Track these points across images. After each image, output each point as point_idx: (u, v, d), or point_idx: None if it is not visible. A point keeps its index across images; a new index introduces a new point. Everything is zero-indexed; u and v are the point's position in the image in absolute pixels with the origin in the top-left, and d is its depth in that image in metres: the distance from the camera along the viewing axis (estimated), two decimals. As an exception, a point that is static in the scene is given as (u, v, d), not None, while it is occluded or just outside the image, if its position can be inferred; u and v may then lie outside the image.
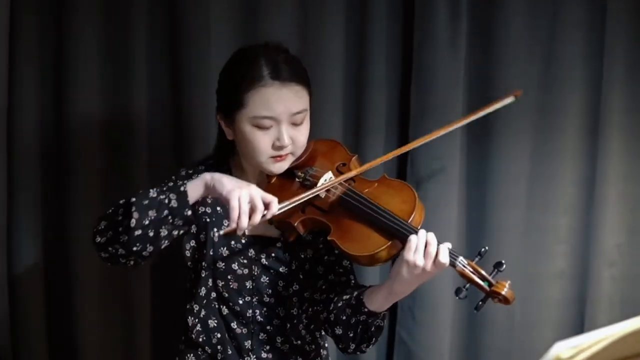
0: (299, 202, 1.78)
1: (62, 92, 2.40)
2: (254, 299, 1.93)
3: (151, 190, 1.75)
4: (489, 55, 2.55)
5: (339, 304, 1.83)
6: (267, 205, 1.71)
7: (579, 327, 2.66)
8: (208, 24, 2.42)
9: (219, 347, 1.94)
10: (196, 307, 1.94)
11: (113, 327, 2.50)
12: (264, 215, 1.70)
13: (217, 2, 2.42)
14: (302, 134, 1.86)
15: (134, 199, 1.72)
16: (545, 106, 2.59)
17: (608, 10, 2.56)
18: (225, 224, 1.90)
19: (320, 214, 1.82)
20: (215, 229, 1.91)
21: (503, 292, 1.66)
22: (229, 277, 1.92)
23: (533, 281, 2.64)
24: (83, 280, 2.45)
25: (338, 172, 1.90)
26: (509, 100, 2.11)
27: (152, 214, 1.71)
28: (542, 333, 2.64)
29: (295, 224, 1.83)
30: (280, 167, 1.87)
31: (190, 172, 1.95)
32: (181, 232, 1.81)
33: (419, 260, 1.69)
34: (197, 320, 1.95)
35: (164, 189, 1.76)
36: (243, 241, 1.92)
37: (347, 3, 2.49)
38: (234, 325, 1.94)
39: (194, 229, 1.93)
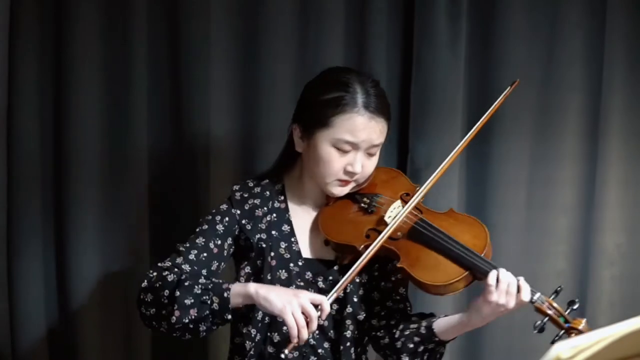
0: (360, 265, 1.81)
1: (62, 92, 2.40)
2: None
3: (196, 286, 1.77)
4: (489, 55, 2.55)
5: (406, 332, 1.88)
6: (318, 307, 1.74)
7: (579, 327, 2.65)
8: (208, 24, 2.42)
9: None
10: (253, 332, 1.93)
11: (113, 327, 2.49)
12: (319, 317, 1.75)
13: (217, 4, 2.42)
14: (372, 165, 1.92)
15: (177, 293, 1.76)
16: (545, 106, 2.59)
17: (608, 10, 2.56)
18: (283, 246, 1.93)
19: (389, 241, 1.85)
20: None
21: (580, 328, 1.75)
22: None
23: (533, 281, 2.61)
24: (83, 280, 2.45)
25: (403, 202, 1.93)
26: (508, 90, 2.10)
27: (193, 312, 1.77)
28: (542, 333, 2.64)
29: (360, 248, 1.86)
30: (342, 191, 1.92)
31: (246, 195, 1.97)
32: (218, 327, 1.83)
33: (502, 299, 1.76)
34: (253, 343, 1.93)
35: (209, 287, 1.78)
36: (300, 264, 1.93)
37: (347, 3, 2.49)
38: (286, 351, 1.91)
39: (251, 255, 1.93)
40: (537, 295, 1.79)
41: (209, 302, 1.76)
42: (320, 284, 1.93)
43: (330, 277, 1.93)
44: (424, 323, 1.87)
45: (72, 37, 2.37)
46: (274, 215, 1.95)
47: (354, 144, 1.86)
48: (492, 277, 1.76)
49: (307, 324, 1.72)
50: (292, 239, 1.94)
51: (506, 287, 1.77)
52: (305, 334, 1.72)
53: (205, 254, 1.91)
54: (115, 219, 2.45)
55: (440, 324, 1.85)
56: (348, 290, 1.92)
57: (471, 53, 2.54)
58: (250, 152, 2.50)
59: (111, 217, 2.45)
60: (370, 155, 1.90)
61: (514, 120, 2.57)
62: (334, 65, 2.46)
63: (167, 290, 1.79)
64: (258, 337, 1.93)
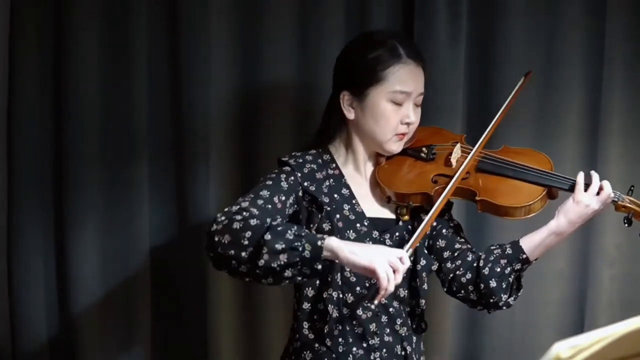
0: (455, 182, 1.93)
1: (62, 92, 2.40)
2: None
3: (288, 231, 1.73)
4: (489, 55, 2.55)
5: (491, 258, 1.98)
6: (400, 259, 1.76)
7: (579, 327, 2.66)
8: (208, 24, 2.42)
9: (340, 339, 1.93)
10: (326, 295, 1.92)
11: (113, 326, 2.49)
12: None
13: (218, 2, 2.42)
14: (418, 116, 2.00)
15: (268, 236, 1.71)
16: (545, 106, 2.59)
17: (608, 11, 2.56)
18: (346, 208, 1.95)
19: (461, 181, 1.95)
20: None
21: None
22: None
23: (533, 281, 2.64)
24: (83, 280, 2.45)
25: (463, 145, 2.04)
26: (523, 82, 2.18)
27: (283, 257, 1.72)
28: (542, 333, 2.64)
29: (432, 193, 1.95)
30: (399, 146, 2.00)
31: (301, 161, 1.96)
32: (303, 279, 1.80)
33: (589, 199, 1.89)
34: (335, 307, 1.92)
35: (302, 233, 1.75)
36: (366, 223, 1.96)
37: (347, 3, 2.49)
38: (359, 311, 1.94)
39: (319, 216, 1.93)
40: (618, 194, 1.93)
41: (300, 248, 1.71)
42: (388, 242, 1.97)
43: (397, 234, 1.99)
44: (508, 244, 1.98)
45: (72, 36, 2.37)
46: (332, 180, 1.97)
47: (407, 94, 1.94)
48: (580, 177, 1.91)
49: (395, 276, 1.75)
50: (354, 201, 1.97)
51: (596, 187, 1.90)
52: (392, 286, 1.73)
53: (269, 206, 1.86)
54: (115, 219, 2.45)
55: (527, 241, 1.97)
56: (417, 244, 1.93)
57: (471, 53, 2.54)
58: (251, 151, 2.50)
59: (111, 217, 2.45)
60: (417, 105, 1.99)
61: (514, 121, 2.56)
62: (334, 65, 2.48)
63: (251, 233, 1.72)
64: (331, 300, 1.92)
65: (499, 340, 2.65)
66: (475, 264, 1.99)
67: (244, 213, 1.77)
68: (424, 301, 2.00)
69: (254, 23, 2.45)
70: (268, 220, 1.75)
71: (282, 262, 1.71)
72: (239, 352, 2.56)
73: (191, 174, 2.48)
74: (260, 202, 1.84)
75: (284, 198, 1.89)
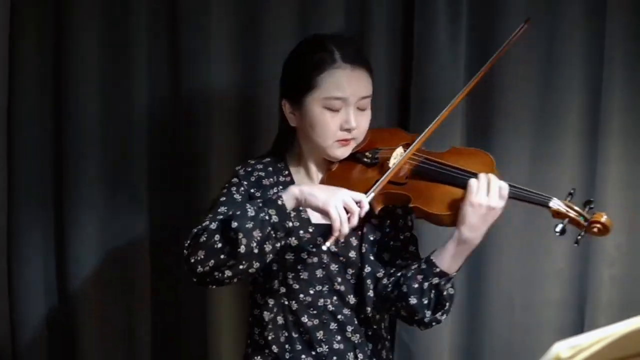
0: (385, 180, 1.84)
1: (61, 92, 2.40)
2: (325, 288, 1.93)
3: (248, 209, 1.74)
4: (489, 55, 2.54)
5: (409, 274, 1.86)
6: (358, 204, 1.76)
7: (579, 327, 2.66)
8: (208, 25, 2.42)
9: (286, 346, 1.94)
10: (271, 302, 1.94)
11: (113, 326, 2.50)
12: (359, 215, 1.77)
13: (218, 2, 2.42)
14: (365, 120, 1.94)
15: (235, 224, 1.71)
16: (545, 106, 2.58)
17: (608, 11, 2.56)
18: (292, 214, 1.88)
19: (397, 187, 1.87)
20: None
21: (602, 220, 1.74)
22: (299, 267, 1.92)
23: (533, 281, 2.64)
24: (83, 280, 2.45)
25: (405, 148, 1.94)
26: (520, 29, 2.08)
27: (257, 234, 1.72)
28: (541, 333, 2.64)
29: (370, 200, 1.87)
30: (344, 152, 1.94)
31: (250, 169, 1.97)
32: (282, 243, 1.81)
33: (482, 199, 1.76)
34: (267, 312, 1.94)
35: (260, 205, 1.76)
36: (310, 230, 1.93)
37: (347, 3, 2.49)
38: (304, 319, 1.93)
39: None
40: (554, 200, 1.79)
41: (267, 217, 1.73)
42: (333, 248, 1.93)
43: (342, 240, 1.91)
44: (423, 259, 1.88)
45: (72, 36, 2.37)
46: (281, 187, 1.95)
47: (343, 99, 1.87)
48: (472, 182, 1.78)
49: (349, 219, 1.73)
50: (300, 208, 1.91)
51: (486, 186, 1.77)
52: (346, 228, 1.73)
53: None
54: (115, 218, 2.45)
55: (438, 254, 1.84)
56: (364, 250, 1.93)
57: (471, 53, 2.54)
58: (252, 150, 2.50)
59: (111, 217, 2.46)
60: (362, 110, 1.91)
61: (514, 121, 2.56)
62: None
63: (219, 234, 1.73)
64: (275, 307, 1.94)
65: (498, 341, 2.65)
66: (399, 281, 1.89)
67: (205, 225, 1.80)
68: (369, 309, 1.93)
69: (254, 23, 2.45)
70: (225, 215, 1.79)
71: (258, 238, 1.72)
72: (239, 352, 2.56)
73: (191, 173, 2.48)
74: (220, 217, 1.86)
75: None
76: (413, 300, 1.84)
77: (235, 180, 1.96)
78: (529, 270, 2.64)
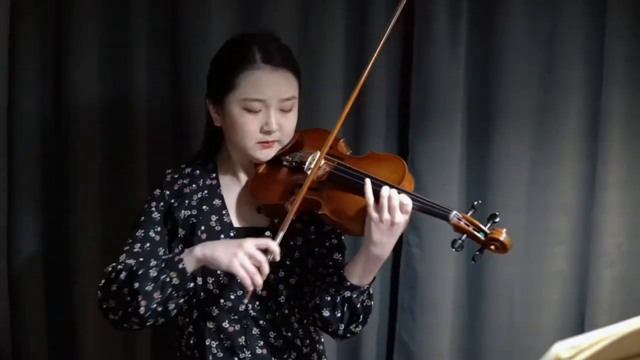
0: (295, 207, 1.78)
1: (61, 91, 2.40)
2: (246, 293, 1.91)
3: (151, 270, 1.77)
4: (489, 55, 2.55)
5: (323, 286, 1.84)
6: (265, 251, 1.74)
7: (579, 327, 2.66)
8: (208, 25, 2.42)
9: (207, 352, 1.92)
10: (186, 306, 1.94)
11: (113, 327, 2.49)
12: (273, 259, 1.74)
13: (218, 2, 2.42)
14: (289, 122, 1.88)
15: (136, 284, 1.75)
16: (546, 107, 2.59)
17: (608, 11, 2.56)
18: (214, 219, 1.91)
19: (310, 192, 1.81)
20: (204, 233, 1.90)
21: (501, 238, 1.66)
22: (219, 272, 1.89)
23: (533, 282, 2.64)
24: (83, 281, 2.45)
25: (329, 158, 1.87)
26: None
27: (157, 295, 1.76)
28: (542, 333, 2.64)
29: (285, 205, 1.82)
30: (267, 154, 1.88)
31: (176, 176, 1.96)
32: (185, 298, 1.83)
33: (384, 214, 1.70)
34: (188, 319, 1.95)
35: (162, 266, 1.78)
36: (232, 234, 1.91)
37: (347, 3, 2.49)
38: (225, 324, 1.92)
39: (181, 232, 1.92)
40: (454, 212, 1.69)
41: (167, 279, 1.75)
42: None
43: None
44: (336, 272, 1.83)
45: (72, 37, 2.37)
46: (205, 192, 1.93)
47: (262, 101, 1.83)
48: (368, 189, 1.72)
49: (259, 269, 1.72)
50: (224, 212, 1.92)
51: (386, 201, 1.70)
52: (259, 280, 1.71)
53: (148, 244, 1.89)
54: (115, 218, 2.45)
55: (348, 267, 1.80)
56: (282, 255, 1.88)
57: (471, 53, 2.54)
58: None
59: (112, 217, 2.45)
60: (284, 111, 1.86)
61: (514, 121, 2.57)
62: (334, 65, 2.48)
63: (125, 288, 1.78)
64: (195, 313, 1.93)
65: (499, 341, 2.65)
66: (314, 292, 1.87)
67: (118, 269, 1.82)
68: (278, 313, 1.92)
69: (254, 23, 2.45)
70: (134, 265, 1.80)
71: (159, 299, 1.76)
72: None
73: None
74: (136, 247, 1.89)
75: (159, 229, 1.92)
76: (326, 313, 1.82)
77: (157, 192, 1.94)
78: (529, 271, 2.64)
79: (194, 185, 1.94)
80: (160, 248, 1.90)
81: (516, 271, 2.62)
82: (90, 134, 2.42)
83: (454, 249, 1.69)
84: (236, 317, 1.92)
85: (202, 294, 1.92)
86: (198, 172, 1.96)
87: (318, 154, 1.85)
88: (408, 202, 1.71)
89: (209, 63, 1.94)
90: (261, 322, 1.92)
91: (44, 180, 2.44)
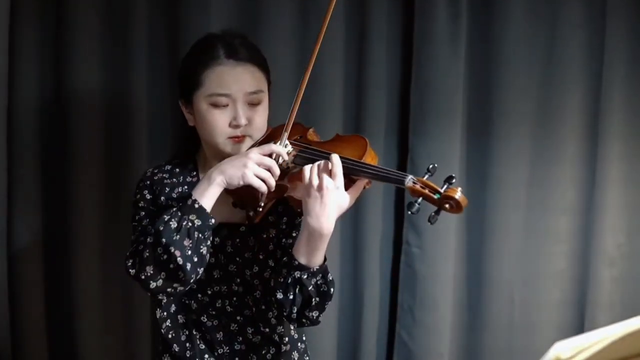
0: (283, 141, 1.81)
1: (61, 91, 2.40)
2: (223, 289, 1.93)
3: (171, 221, 1.76)
4: (489, 55, 2.55)
5: (277, 268, 1.84)
6: (271, 155, 1.77)
7: (579, 327, 2.66)
8: (208, 25, 2.42)
9: (187, 344, 1.94)
10: (171, 300, 1.95)
11: (113, 327, 2.49)
12: (282, 161, 1.78)
13: (217, 4, 2.42)
14: (259, 116, 1.89)
15: (163, 240, 1.73)
16: (546, 106, 2.59)
17: (608, 11, 2.56)
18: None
19: (279, 178, 1.81)
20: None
21: (455, 196, 1.62)
22: None
23: (533, 282, 2.65)
24: (83, 281, 2.45)
25: (292, 143, 1.87)
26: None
27: (187, 243, 1.75)
28: (542, 333, 2.64)
29: (259, 195, 1.81)
30: (238, 149, 1.88)
31: (156, 171, 1.97)
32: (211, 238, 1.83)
33: (309, 179, 1.71)
34: (165, 313, 1.95)
35: (178, 213, 1.77)
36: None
37: (347, 3, 2.49)
38: (204, 318, 1.93)
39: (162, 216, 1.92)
40: (409, 177, 1.67)
41: (189, 224, 1.75)
42: (229, 248, 1.92)
43: (238, 240, 1.92)
44: (286, 254, 1.83)
45: (73, 35, 2.37)
46: (185, 187, 1.94)
47: (228, 96, 1.85)
48: (305, 167, 1.74)
49: (272, 173, 1.75)
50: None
51: (314, 167, 1.72)
52: (272, 182, 1.75)
53: (148, 220, 1.90)
54: (116, 219, 2.45)
55: (295, 246, 1.79)
56: (256, 250, 1.91)
57: (471, 53, 2.54)
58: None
59: (112, 217, 2.45)
60: (253, 105, 1.87)
61: (514, 121, 2.57)
62: (334, 65, 2.48)
63: (156, 247, 1.75)
64: (173, 307, 1.94)
65: (499, 341, 2.65)
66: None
67: (140, 239, 1.81)
68: (255, 309, 1.92)
69: (254, 24, 2.45)
70: (152, 228, 1.79)
71: (190, 245, 1.75)
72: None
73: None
74: (143, 225, 1.89)
75: (153, 208, 1.92)
76: (279, 295, 1.80)
77: (140, 185, 1.95)
78: (529, 270, 2.64)
79: (174, 179, 1.95)
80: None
81: (516, 271, 2.63)
82: (90, 133, 2.42)
83: (409, 212, 1.64)
84: (214, 312, 1.93)
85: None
86: (178, 170, 1.98)
87: (285, 139, 1.84)
88: (337, 163, 1.70)
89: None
90: (238, 317, 1.93)
91: (44, 180, 2.44)
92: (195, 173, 1.97)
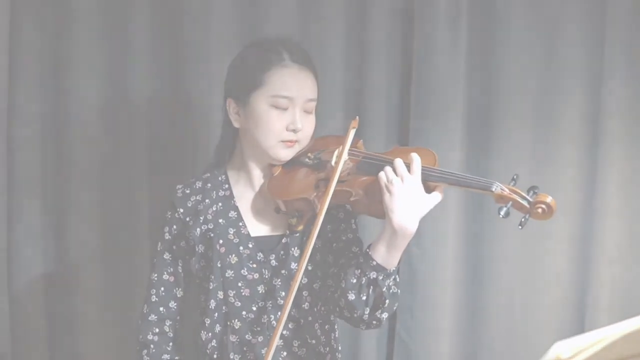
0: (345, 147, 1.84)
1: (61, 92, 2.40)
2: (268, 304, 1.91)
3: None
4: (489, 55, 2.55)
5: (349, 270, 1.82)
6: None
7: (579, 328, 2.66)
8: (208, 24, 2.42)
9: None
10: (208, 321, 1.93)
11: (114, 327, 2.49)
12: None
13: (218, 3, 2.42)
14: (310, 124, 1.91)
15: None
16: (546, 107, 2.58)
17: (608, 11, 2.56)
18: (231, 232, 1.91)
19: (338, 184, 1.83)
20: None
21: (547, 200, 1.72)
22: (239, 284, 1.90)
23: (533, 281, 2.64)
24: (83, 281, 2.45)
25: (356, 151, 1.90)
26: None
27: None
28: (542, 333, 2.64)
29: (312, 199, 1.84)
30: (288, 154, 1.90)
31: (188, 191, 1.96)
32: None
33: (391, 176, 1.73)
34: (210, 334, 1.94)
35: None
36: (250, 245, 1.91)
37: (347, 3, 2.49)
38: (248, 336, 1.91)
39: (200, 248, 1.92)
40: (496, 184, 1.74)
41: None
42: (273, 262, 1.91)
43: (282, 252, 1.91)
44: (362, 253, 1.83)
45: (73, 36, 2.37)
46: (220, 204, 1.93)
47: (289, 98, 1.86)
48: (386, 168, 1.76)
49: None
50: (240, 223, 1.92)
51: (395, 167, 1.75)
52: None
53: (162, 288, 1.96)
54: (115, 220, 2.46)
55: (373, 245, 1.80)
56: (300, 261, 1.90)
57: (471, 54, 2.54)
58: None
59: (112, 217, 2.45)
60: (307, 112, 1.90)
61: (514, 122, 2.56)
62: (335, 65, 2.48)
63: None
64: (218, 327, 1.93)
65: (498, 341, 2.65)
66: (339, 279, 1.86)
67: (140, 339, 1.96)
68: (303, 321, 1.92)
69: (254, 24, 2.45)
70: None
71: None
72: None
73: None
74: (153, 292, 1.96)
75: (171, 269, 1.96)
76: (351, 296, 1.79)
77: (169, 215, 1.95)
78: (529, 270, 2.64)
79: (207, 200, 1.94)
80: (175, 288, 1.96)
81: (516, 271, 2.62)
82: (90, 134, 2.42)
83: (500, 216, 1.71)
84: (259, 328, 1.91)
85: (224, 307, 1.92)
86: (209, 185, 1.96)
87: (342, 148, 1.86)
88: (416, 160, 1.74)
89: (228, 68, 1.96)
90: (284, 332, 1.92)
91: (45, 180, 2.43)
92: (227, 186, 1.96)
